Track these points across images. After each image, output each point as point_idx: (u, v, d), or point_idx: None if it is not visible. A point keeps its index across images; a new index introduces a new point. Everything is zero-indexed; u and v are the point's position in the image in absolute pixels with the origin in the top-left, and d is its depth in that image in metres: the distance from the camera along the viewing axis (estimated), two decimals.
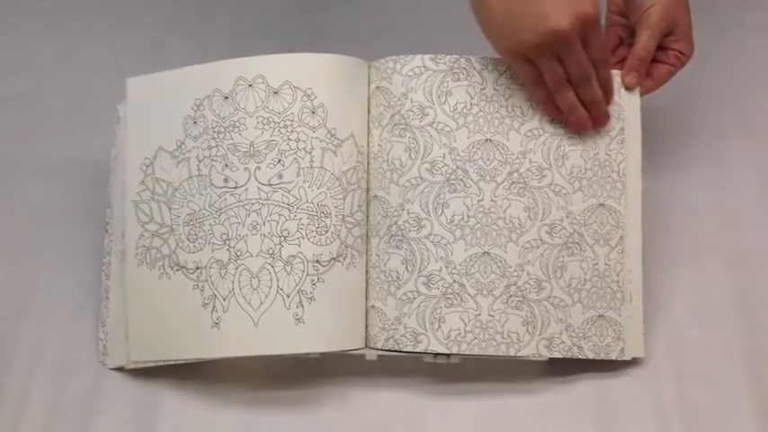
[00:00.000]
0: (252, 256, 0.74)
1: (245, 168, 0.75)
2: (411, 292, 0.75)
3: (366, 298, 0.76)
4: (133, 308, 0.77)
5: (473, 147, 0.76)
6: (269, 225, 0.74)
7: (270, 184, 0.75)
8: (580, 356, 0.75)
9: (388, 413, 0.76)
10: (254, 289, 0.74)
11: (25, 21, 0.99)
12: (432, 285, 0.75)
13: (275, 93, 0.75)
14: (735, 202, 0.86)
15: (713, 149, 0.89)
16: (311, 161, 0.75)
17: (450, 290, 0.75)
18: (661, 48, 0.79)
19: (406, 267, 0.75)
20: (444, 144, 0.76)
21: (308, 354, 0.75)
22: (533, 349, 0.75)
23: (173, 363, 0.76)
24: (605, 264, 0.76)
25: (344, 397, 0.77)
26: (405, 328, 0.75)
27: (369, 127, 0.78)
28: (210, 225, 0.75)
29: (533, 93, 0.76)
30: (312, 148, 0.75)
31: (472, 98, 0.76)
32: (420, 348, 0.74)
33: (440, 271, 0.75)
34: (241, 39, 0.97)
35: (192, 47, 0.97)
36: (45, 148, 0.90)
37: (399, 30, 0.97)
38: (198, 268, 0.75)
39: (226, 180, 0.75)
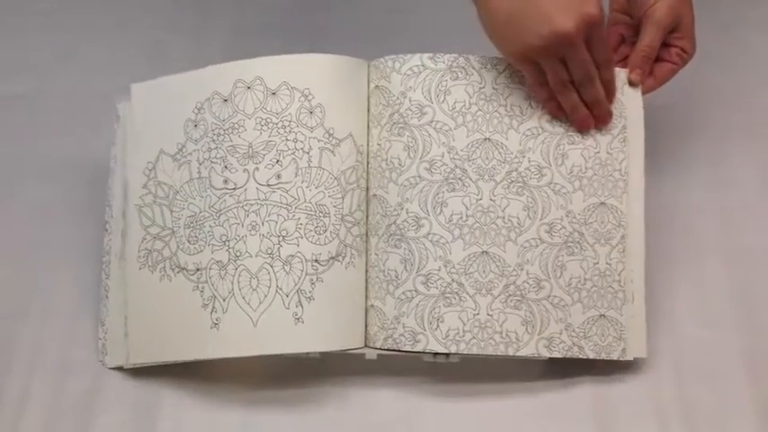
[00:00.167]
0: (251, 256, 0.74)
1: (244, 169, 0.75)
2: (410, 291, 0.75)
3: (365, 297, 0.76)
4: (134, 310, 0.77)
5: (472, 146, 0.76)
6: (268, 225, 0.74)
7: (268, 185, 0.75)
8: (580, 356, 0.75)
9: (387, 413, 0.76)
10: (254, 289, 0.74)
11: (25, 21, 0.99)
12: (430, 285, 0.75)
13: (273, 94, 0.75)
14: (736, 201, 0.86)
15: (715, 148, 0.89)
16: (309, 161, 0.75)
17: (448, 289, 0.75)
18: (664, 45, 0.78)
19: (405, 267, 0.75)
20: (443, 143, 0.76)
21: (307, 353, 0.75)
22: (532, 349, 0.75)
23: (171, 363, 0.76)
24: (606, 263, 0.76)
25: (344, 396, 0.77)
26: (403, 327, 0.75)
27: (368, 126, 0.78)
28: (210, 226, 0.75)
29: (536, 93, 0.76)
30: (310, 148, 0.75)
31: (471, 97, 0.76)
32: (419, 348, 0.74)
33: (438, 270, 0.75)
34: (241, 39, 0.97)
35: (192, 47, 0.97)
36: (45, 148, 0.90)
37: (399, 30, 0.97)
38: (198, 269, 0.75)
39: (225, 181, 0.75)
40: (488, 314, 0.74)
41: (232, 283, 0.74)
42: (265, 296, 0.74)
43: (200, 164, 0.76)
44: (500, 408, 0.76)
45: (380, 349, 0.76)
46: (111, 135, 0.81)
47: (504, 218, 0.75)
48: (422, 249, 0.75)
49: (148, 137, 0.78)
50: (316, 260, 0.74)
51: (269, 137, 0.75)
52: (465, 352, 0.74)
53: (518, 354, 0.75)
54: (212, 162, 0.76)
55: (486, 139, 0.76)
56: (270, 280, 0.74)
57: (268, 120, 0.75)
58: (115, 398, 0.77)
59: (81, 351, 0.79)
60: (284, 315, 0.73)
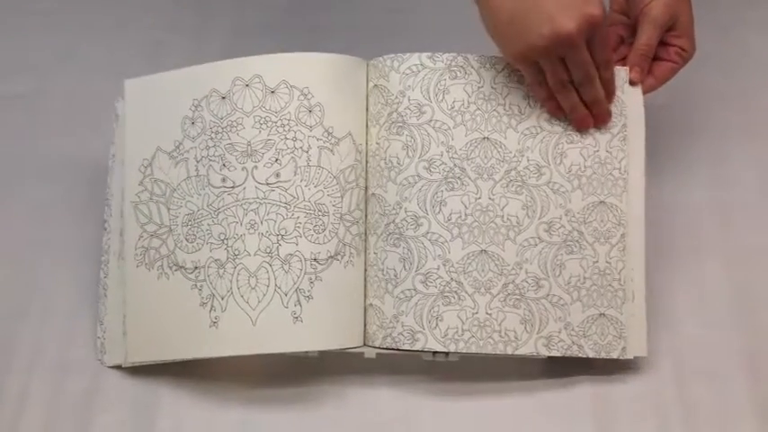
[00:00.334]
0: (250, 255, 0.74)
1: (243, 168, 0.75)
2: (408, 290, 0.75)
3: (364, 296, 0.76)
4: (132, 308, 0.77)
5: (471, 145, 0.76)
6: (266, 224, 0.74)
7: (267, 184, 0.75)
8: (580, 355, 0.75)
9: (386, 411, 0.76)
10: (252, 288, 0.74)
11: (25, 21, 0.99)
12: (429, 283, 0.75)
13: (272, 92, 0.75)
14: (737, 201, 0.86)
15: (715, 149, 0.89)
16: (308, 160, 0.75)
17: (447, 288, 0.74)
18: (662, 44, 0.78)
19: (404, 265, 0.75)
20: (442, 142, 0.76)
21: (306, 352, 0.75)
22: (531, 348, 0.74)
23: (170, 361, 0.76)
24: (606, 262, 0.76)
25: (343, 395, 0.77)
26: (402, 326, 0.75)
27: (367, 125, 0.78)
28: (209, 225, 0.75)
29: (535, 92, 0.75)
30: (309, 147, 0.75)
31: (470, 96, 0.76)
32: (417, 346, 0.74)
33: (437, 269, 0.75)
34: (241, 39, 0.97)
35: (192, 47, 0.97)
36: (45, 148, 0.91)
37: (399, 30, 0.97)
38: (196, 268, 0.75)
39: (223, 180, 0.75)
40: (487, 313, 0.74)
41: (231, 281, 0.74)
42: (264, 295, 0.73)
43: (198, 161, 0.76)
44: (499, 407, 0.76)
45: (379, 348, 0.76)
46: (110, 135, 0.81)
47: (502, 217, 0.75)
48: (421, 248, 0.75)
49: (144, 133, 0.78)
50: (314, 259, 0.74)
51: (268, 135, 0.75)
52: (464, 351, 0.74)
53: (517, 352, 0.74)
54: (210, 160, 0.76)
55: (484, 138, 0.76)
56: (269, 279, 0.74)
57: (267, 118, 0.75)
58: (114, 397, 0.77)
59: (80, 350, 0.80)
60: (283, 314, 0.73)
